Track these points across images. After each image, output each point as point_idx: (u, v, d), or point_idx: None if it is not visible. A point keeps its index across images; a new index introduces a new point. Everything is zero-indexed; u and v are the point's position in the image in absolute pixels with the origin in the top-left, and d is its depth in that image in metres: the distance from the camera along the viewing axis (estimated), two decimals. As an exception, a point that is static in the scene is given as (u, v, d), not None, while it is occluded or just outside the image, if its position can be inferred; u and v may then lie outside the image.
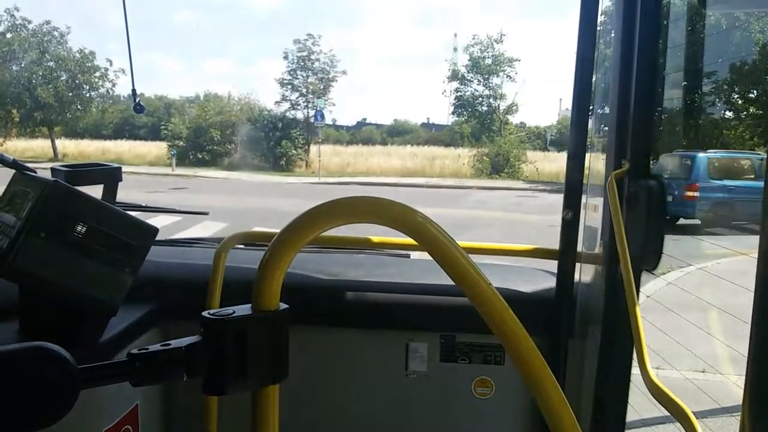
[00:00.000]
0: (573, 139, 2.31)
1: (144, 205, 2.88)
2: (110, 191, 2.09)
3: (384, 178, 32.57)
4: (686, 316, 4.62)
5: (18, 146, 41.09)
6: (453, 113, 43.70)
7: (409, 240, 0.93)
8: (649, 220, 2.04)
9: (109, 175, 2.11)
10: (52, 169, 2.00)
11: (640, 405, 2.34)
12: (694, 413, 1.37)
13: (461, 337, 2.45)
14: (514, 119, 41.93)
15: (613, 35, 2.22)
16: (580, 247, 2.40)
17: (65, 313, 1.82)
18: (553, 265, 2.44)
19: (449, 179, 33.96)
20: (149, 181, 27.26)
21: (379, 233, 2.31)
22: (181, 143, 38.97)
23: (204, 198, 20.38)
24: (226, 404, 2.18)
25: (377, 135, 57.27)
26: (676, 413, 1.39)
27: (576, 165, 2.31)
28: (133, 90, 2.70)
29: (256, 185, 29.09)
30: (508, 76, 40.29)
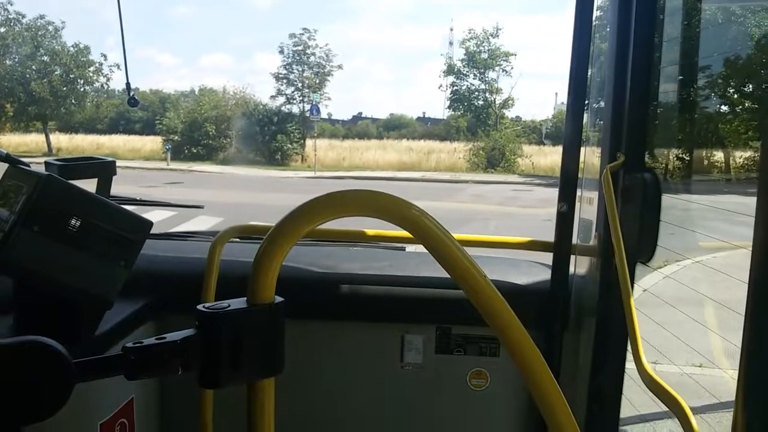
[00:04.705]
0: (568, 132, 2.32)
1: (139, 198, 2.88)
2: (104, 185, 2.08)
3: (380, 172, 32.49)
4: (683, 310, 4.61)
5: (12, 141, 40.85)
6: (449, 107, 43.71)
7: (404, 233, 0.93)
8: (644, 212, 2.05)
9: (104, 168, 2.10)
10: (46, 163, 2.00)
11: (634, 396, 2.35)
12: (692, 408, 1.37)
13: (457, 329, 2.46)
14: (509, 113, 41.90)
15: (608, 29, 2.23)
16: (575, 240, 2.41)
17: (60, 307, 1.82)
18: (548, 258, 2.45)
19: (445, 173, 33.91)
20: (144, 176, 27.21)
21: (374, 226, 2.31)
22: (176, 138, 38.82)
23: (199, 193, 20.34)
24: (221, 397, 2.18)
25: (373, 129, 57.10)
26: (671, 404, 1.40)
27: (571, 158, 2.32)
28: (128, 84, 2.69)
29: (251, 180, 29.01)
30: (504, 70, 40.29)
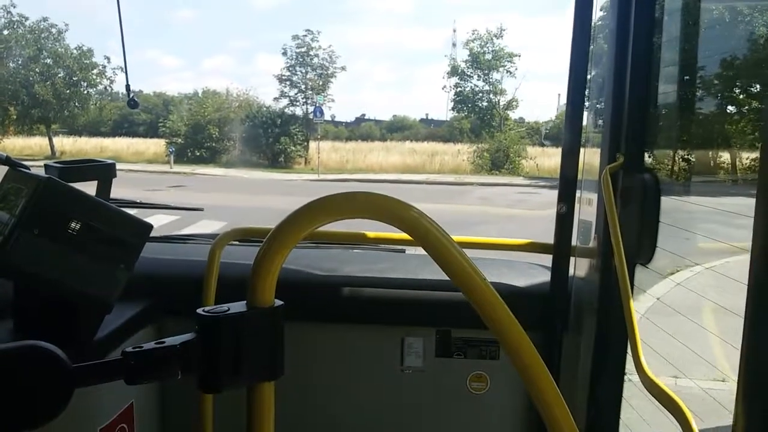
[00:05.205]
0: (567, 133, 2.32)
1: (138, 201, 2.88)
2: (104, 188, 2.08)
3: (384, 175, 32.39)
4: (700, 319, 4.53)
5: (16, 144, 40.87)
6: (453, 109, 43.42)
7: (404, 235, 0.93)
8: (644, 213, 2.05)
9: (103, 171, 2.10)
10: (46, 166, 1.99)
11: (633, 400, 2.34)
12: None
13: (456, 332, 2.46)
14: (513, 115, 41.64)
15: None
16: (574, 241, 2.40)
17: (59, 310, 1.83)
18: (547, 260, 2.44)
19: (449, 175, 33.73)
20: (148, 179, 27.15)
21: (373, 228, 2.31)
22: (180, 140, 38.75)
23: (203, 196, 20.20)
24: (222, 401, 2.19)
25: (376, 131, 57.07)
26: (671, 407, 1.39)
27: (570, 159, 2.32)
28: (128, 86, 2.69)
29: (255, 182, 28.96)
30: (508, 71, 39.98)
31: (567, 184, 2.34)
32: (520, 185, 29.72)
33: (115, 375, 0.91)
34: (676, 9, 2.47)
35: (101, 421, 2.03)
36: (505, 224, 17.24)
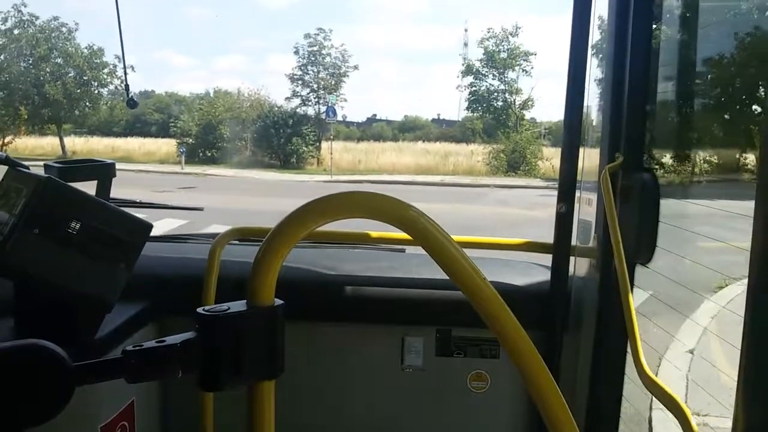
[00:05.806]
0: (567, 133, 2.32)
1: (138, 200, 2.89)
2: (104, 187, 2.09)
3: (397, 176, 32.04)
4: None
5: (28, 144, 40.73)
6: (467, 108, 42.82)
7: (404, 234, 0.93)
8: (643, 213, 2.05)
9: (103, 170, 2.11)
10: (45, 166, 2.00)
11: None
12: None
13: (457, 331, 2.47)
14: (529, 114, 41.06)
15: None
16: (574, 241, 2.41)
17: (60, 310, 1.83)
18: (547, 259, 2.45)
19: (464, 177, 33.29)
20: (158, 180, 27.07)
21: (373, 228, 2.31)
22: (191, 140, 38.57)
23: (214, 198, 20.07)
24: (222, 400, 2.20)
25: (388, 131, 56.79)
26: (670, 405, 1.40)
27: (570, 159, 2.32)
28: (126, 85, 2.72)
29: (267, 184, 28.73)
30: (523, 70, 39.56)
31: (566, 183, 2.34)
32: (540, 187, 29.14)
33: (115, 373, 0.92)
34: (675, 7, 2.47)
35: (102, 419, 2.04)
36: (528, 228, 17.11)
